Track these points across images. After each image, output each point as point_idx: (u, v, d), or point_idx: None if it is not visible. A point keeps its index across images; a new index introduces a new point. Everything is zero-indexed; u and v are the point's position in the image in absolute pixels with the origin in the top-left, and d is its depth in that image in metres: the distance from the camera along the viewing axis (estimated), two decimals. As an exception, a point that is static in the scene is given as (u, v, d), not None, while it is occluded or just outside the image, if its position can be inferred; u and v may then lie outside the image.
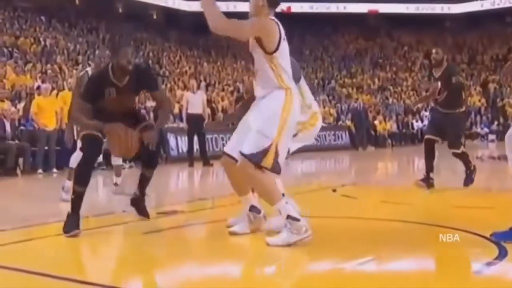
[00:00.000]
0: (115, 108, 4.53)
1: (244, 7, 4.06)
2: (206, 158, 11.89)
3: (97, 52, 7.25)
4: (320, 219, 4.75)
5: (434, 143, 6.92)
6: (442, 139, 6.94)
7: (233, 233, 4.05)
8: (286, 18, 4.14)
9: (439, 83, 6.89)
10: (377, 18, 34.95)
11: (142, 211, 4.93)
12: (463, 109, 6.94)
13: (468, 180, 6.74)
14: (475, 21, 33.65)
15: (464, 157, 6.81)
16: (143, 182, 4.95)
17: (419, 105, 17.47)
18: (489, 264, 3.18)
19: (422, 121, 23.80)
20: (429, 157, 6.86)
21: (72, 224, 4.24)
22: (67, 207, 5.94)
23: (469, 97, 24.88)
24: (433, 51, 7.03)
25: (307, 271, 3.40)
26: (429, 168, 6.78)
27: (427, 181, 6.72)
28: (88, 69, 6.92)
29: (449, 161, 8.20)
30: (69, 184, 6.43)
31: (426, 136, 7.12)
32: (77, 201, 4.35)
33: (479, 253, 3.47)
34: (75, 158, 6.56)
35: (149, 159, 4.86)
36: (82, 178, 4.43)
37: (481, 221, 3.80)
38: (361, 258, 3.56)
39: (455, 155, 6.82)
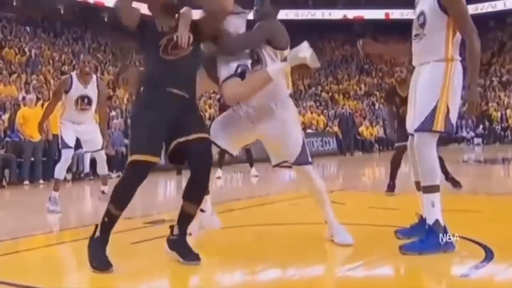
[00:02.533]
0: None
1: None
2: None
3: (81, 56, 7.22)
4: (310, 225, 4.77)
5: (404, 151, 6.71)
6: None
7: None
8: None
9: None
10: (362, 24, 35.14)
11: (186, 254, 3.60)
12: None
13: (455, 183, 6.91)
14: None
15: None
16: (183, 217, 3.72)
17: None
18: (476, 267, 3.21)
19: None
20: (396, 167, 7.15)
21: (103, 258, 3.50)
22: (53, 219, 5.94)
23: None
24: (397, 69, 7.11)
25: (299, 276, 3.40)
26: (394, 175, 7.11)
27: (392, 187, 7.01)
28: (73, 73, 6.89)
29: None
30: (56, 195, 6.39)
31: (397, 144, 7.12)
32: (109, 225, 3.59)
33: (466, 256, 3.50)
34: (60, 169, 6.53)
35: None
36: (122, 202, 3.61)
37: (468, 224, 3.83)
38: (351, 263, 3.58)
39: None
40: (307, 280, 3.29)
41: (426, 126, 3.62)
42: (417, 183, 4.01)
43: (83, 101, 6.54)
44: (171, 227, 3.69)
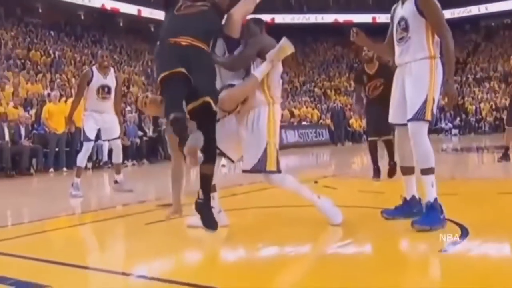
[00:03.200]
0: None
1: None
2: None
3: (99, 52, 7.31)
4: (305, 207, 4.77)
5: (376, 143, 6.97)
6: (379, 136, 6.85)
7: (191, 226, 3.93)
8: (270, 29, 4.11)
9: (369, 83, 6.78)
10: (351, 27, 34.99)
11: (206, 219, 3.49)
12: None
13: (392, 172, 6.71)
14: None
15: (390, 147, 6.68)
16: (202, 180, 3.61)
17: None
18: (454, 243, 3.21)
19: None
20: (375, 155, 7.04)
21: (212, 218, 3.46)
22: (75, 202, 5.94)
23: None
24: (365, 49, 6.70)
25: (295, 252, 3.40)
26: (376, 160, 6.99)
27: (378, 172, 6.91)
28: (93, 67, 6.91)
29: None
30: (78, 181, 6.41)
31: (370, 139, 7.13)
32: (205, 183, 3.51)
33: (443, 234, 3.50)
34: (82, 158, 6.55)
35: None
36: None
37: (446, 205, 3.82)
38: (341, 241, 3.59)
39: (385, 142, 6.78)
40: (302, 255, 3.30)
41: (420, 116, 3.69)
42: (403, 168, 4.06)
43: (104, 90, 6.59)
44: (198, 191, 3.57)
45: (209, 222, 3.46)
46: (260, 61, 3.84)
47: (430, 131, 3.88)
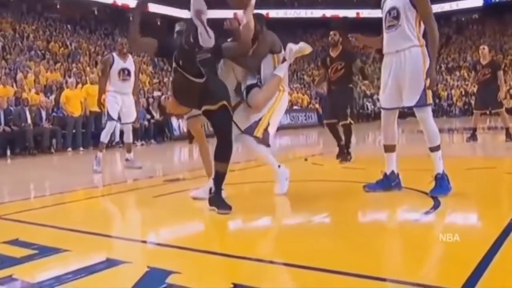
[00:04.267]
0: None
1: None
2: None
3: (119, 40, 7.34)
4: (295, 182, 4.78)
5: (335, 125, 6.48)
6: (338, 119, 6.37)
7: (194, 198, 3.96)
8: (266, 23, 4.10)
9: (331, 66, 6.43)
10: (337, 21, 34.73)
11: (219, 205, 3.49)
12: (351, 85, 6.56)
13: (344, 156, 6.32)
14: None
15: (348, 131, 6.39)
16: (215, 176, 3.59)
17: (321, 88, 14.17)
18: (426, 213, 3.23)
19: (374, 104, 23.83)
20: (338, 136, 6.49)
21: (223, 203, 3.50)
22: (91, 177, 5.93)
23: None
24: (331, 33, 6.48)
25: (285, 223, 3.42)
26: (347, 144, 6.41)
27: (347, 156, 6.36)
28: (113, 53, 6.89)
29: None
30: (100, 155, 6.41)
31: (326, 121, 6.60)
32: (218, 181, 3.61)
33: (418, 205, 3.52)
34: (105, 134, 6.57)
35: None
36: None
37: (422, 180, 3.85)
38: (327, 211, 3.60)
39: (344, 126, 6.37)
40: (291, 226, 3.31)
41: (423, 101, 3.74)
42: (386, 146, 4.06)
43: (124, 73, 6.61)
44: (210, 189, 3.58)
45: (224, 209, 3.45)
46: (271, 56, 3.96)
47: (407, 115, 3.89)
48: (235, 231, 3.25)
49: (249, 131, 3.91)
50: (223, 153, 3.53)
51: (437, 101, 25.82)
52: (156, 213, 3.74)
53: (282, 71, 4.01)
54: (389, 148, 4.05)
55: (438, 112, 25.20)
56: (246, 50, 3.75)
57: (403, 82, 3.79)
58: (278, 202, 3.94)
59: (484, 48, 9.16)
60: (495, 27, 33.14)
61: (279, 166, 4.11)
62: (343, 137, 6.50)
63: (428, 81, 3.69)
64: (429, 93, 3.76)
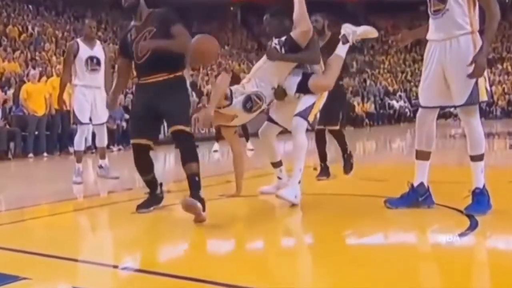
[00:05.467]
0: None
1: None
2: None
3: (86, 21, 7.22)
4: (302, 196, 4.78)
5: (324, 132, 6.22)
6: (325, 124, 5.99)
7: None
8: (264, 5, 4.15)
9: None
10: (355, 4, 34.84)
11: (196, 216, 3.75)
12: (341, 82, 6.23)
13: (348, 166, 6.09)
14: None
15: (340, 137, 6.24)
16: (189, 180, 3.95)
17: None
18: (460, 235, 3.23)
19: (400, 100, 23.90)
20: (323, 148, 6.20)
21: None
22: (57, 189, 5.93)
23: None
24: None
25: (286, 244, 3.42)
26: (323, 156, 6.16)
27: (326, 172, 6.08)
28: (78, 39, 6.83)
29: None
30: (78, 166, 6.39)
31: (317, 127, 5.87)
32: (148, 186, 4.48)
33: (451, 225, 3.52)
34: (78, 141, 6.54)
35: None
36: (140, 172, 4.46)
37: (455, 194, 3.84)
38: (344, 231, 3.60)
39: (332, 132, 6.22)
40: (293, 248, 3.31)
41: (475, 99, 3.73)
42: (419, 152, 4.05)
43: (92, 62, 6.54)
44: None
45: (198, 218, 3.70)
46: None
47: (438, 116, 3.89)
48: (228, 257, 3.24)
49: (304, 114, 4.47)
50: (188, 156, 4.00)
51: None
52: (134, 233, 3.73)
53: (344, 52, 4.77)
54: (423, 155, 4.04)
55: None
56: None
57: (450, 76, 3.77)
58: (278, 220, 3.93)
59: None
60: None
61: (300, 170, 4.36)
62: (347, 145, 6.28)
63: (472, 68, 3.62)
64: (483, 89, 3.71)
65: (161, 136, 14.13)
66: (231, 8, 35.84)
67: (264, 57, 4.57)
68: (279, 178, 4.94)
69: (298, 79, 4.57)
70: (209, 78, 19.86)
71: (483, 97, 3.74)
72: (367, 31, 4.88)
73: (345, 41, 4.87)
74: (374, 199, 4.39)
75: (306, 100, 4.53)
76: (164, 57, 4.01)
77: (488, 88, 3.79)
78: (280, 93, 4.59)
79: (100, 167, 6.79)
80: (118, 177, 6.54)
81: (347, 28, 4.88)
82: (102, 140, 6.87)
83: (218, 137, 10.99)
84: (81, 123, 6.51)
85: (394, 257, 2.95)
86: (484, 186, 3.77)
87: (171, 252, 3.32)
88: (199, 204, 3.63)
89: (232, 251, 3.33)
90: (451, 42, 3.74)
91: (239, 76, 12.60)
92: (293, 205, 4.24)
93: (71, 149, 10.12)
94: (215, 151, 10.73)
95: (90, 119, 6.63)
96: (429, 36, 3.90)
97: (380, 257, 2.96)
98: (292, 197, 4.25)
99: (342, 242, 3.41)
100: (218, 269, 2.85)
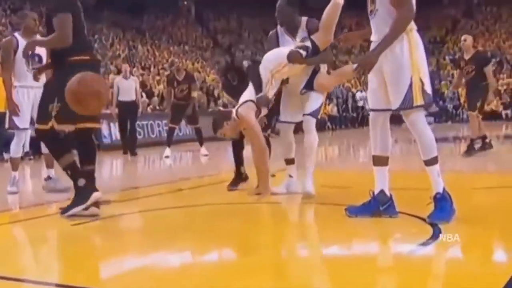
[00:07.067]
0: None
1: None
2: (133, 148, 11.64)
3: (26, 14, 6.74)
4: (259, 205, 4.82)
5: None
6: None
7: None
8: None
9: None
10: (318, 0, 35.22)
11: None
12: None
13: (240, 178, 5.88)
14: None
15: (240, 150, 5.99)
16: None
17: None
18: (423, 244, 3.30)
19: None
20: (241, 156, 5.98)
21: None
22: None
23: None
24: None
25: (245, 257, 3.44)
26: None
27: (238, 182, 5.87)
28: (16, 33, 6.50)
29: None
30: (14, 174, 6.16)
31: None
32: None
33: (413, 234, 3.60)
34: (15, 147, 6.22)
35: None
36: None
37: (417, 201, 3.93)
38: (305, 241, 3.63)
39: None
40: (253, 260, 3.33)
41: (408, 103, 3.79)
42: (375, 158, 4.13)
43: (34, 59, 6.18)
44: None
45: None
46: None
47: (403, 120, 3.97)
48: (173, 274, 3.24)
49: (315, 114, 5.11)
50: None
51: (439, 102, 26.53)
52: (73, 247, 3.67)
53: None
54: (380, 161, 4.11)
55: (441, 116, 25.86)
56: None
57: (387, 79, 3.87)
58: (236, 232, 3.94)
59: (465, 40, 9.28)
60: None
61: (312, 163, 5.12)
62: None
63: (417, 77, 3.74)
64: (418, 92, 3.77)
65: (107, 141, 14.00)
66: (185, 2, 35.67)
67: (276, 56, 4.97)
68: (291, 176, 5.38)
69: (307, 77, 5.12)
70: (160, 78, 19.76)
71: (418, 101, 3.78)
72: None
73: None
74: (336, 207, 4.45)
75: (316, 100, 5.14)
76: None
77: (429, 91, 3.84)
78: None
79: (48, 178, 6.40)
80: (70, 188, 6.15)
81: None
82: None
83: (170, 142, 10.95)
84: (19, 129, 6.25)
85: (347, 270, 2.99)
86: (444, 189, 3.85)
87: (112, 270, 3.28)
88: None
89: (172, 268, 3.32)
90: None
91: (193, 75, 12.59)
92: (309, 196, 5.01)
93: (6, 156, 9.85)
94: (167, 156, 10.68)
95: (32, 122, 6.33)
96: (371, 37, 4.01)
97: (334, 270, 3.01)
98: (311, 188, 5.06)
99: (293, 254, 3.45)
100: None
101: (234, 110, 4.93)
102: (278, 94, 5.26)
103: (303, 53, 4.85)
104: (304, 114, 5.14)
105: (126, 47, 25.61)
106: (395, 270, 3.00)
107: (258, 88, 4.89)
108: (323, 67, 5.24)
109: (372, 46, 3.95)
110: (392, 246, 3.53)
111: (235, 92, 5.33)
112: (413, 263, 3.07)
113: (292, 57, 4.84)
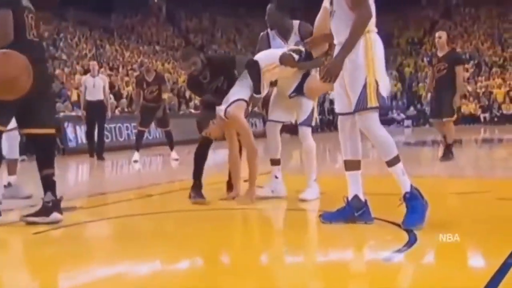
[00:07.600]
0: None
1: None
2: (101, 152, 11.50)
3: None
4: (232, 210, 4.82)
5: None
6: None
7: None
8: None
9: None
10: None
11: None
12: None
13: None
14: (391, 4, 34.78)
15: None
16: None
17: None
18: (398, 251, 3.34)
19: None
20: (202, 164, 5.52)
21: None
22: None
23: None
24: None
25: (217, 263, 3.44)
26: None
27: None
28: None
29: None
30: (14, 179, 6.04)
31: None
32: None
33: (387, 241, 3.64)
34: (9, 149, 5.94)
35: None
36: None
37: (394, 207, 3.96)
38: (277, 247, 3.64)
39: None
40: (226, 266, 3.33)
41: (362, 105, 3.83)
42: (346, 162, 4.16)
43: None
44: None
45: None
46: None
47: (380, 122, 4.01)
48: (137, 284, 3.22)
49: (308, 122, 5.31)
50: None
51: (417, 105, 26.83)
52: (34, 256, 3.63)
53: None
54: (351, 165, 4.14)
55: (419, 119, 26.16)
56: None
57: (346, 81, 3.92)
58: (208, 239, 3.94)
59: (440, 37, 9.30)
60: (493, 10, 34.82)
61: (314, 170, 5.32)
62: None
63: (372, 79, 3.80)
64: (372, 93, 3.81)
65: (73, 144, 13.83)
66: (155, 1, 35.53)
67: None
68: (276, 177, 5.43)
69: (298, 81, 5.24)
70: (129, 78, 19.63)
71: (372, 103, 3.84)
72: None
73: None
74: (308, 214, 4.48)
75: (306, 108, 5.30)
76: None
77: (384, 94, 3.89)
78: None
79: (8, 185, 6.10)
80: (31, 196, 5.86)
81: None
82: (13, 150, 6.12)
83: (139, 146, 10.89)
84: None
85: (320, 278, 3.01)
86: (411, 187, 3.88)
87: (76, 277, 3.26)
88: None
89: (143, 272, 3.31)
90: (341, 45, 3.89)
91: (164, 76, 12.55)
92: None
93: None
94: (135, 161, 10.61)
95: None
96: (334, 40, 4.07)
97: (306, 277, 3.03)
98: (315, 195, 5.16)
99: (264, 261, 3.46)
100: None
101: (221, 109, 4.94)
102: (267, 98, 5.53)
103: (296, 56, 4.98)
104: (298, 125, 5.34)
105: (93, 46, 25.37)
106: (369, 278, 3.02)
107: (257, 86, 5.09)
108: (315, 71, 5.33)
109: (336, 50, 4.00)
110: (366, 253, 3.55)
111: (204, 91, 5.36)
112: (388, 270, 3.09)
113: (285, 59, 4.99)
